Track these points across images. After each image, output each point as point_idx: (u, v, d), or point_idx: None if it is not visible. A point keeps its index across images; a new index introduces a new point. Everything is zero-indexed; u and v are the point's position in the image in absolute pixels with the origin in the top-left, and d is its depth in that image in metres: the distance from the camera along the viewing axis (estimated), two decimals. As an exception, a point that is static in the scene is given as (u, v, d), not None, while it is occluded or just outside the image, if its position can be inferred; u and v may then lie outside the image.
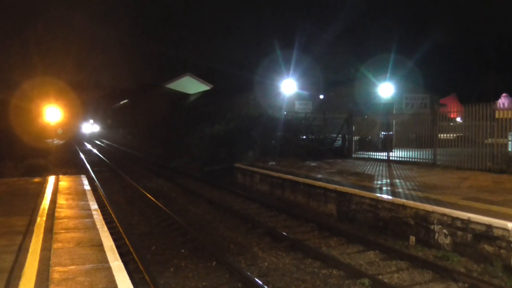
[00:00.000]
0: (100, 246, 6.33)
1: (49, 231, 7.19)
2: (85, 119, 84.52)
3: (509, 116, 15.85)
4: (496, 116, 16.33)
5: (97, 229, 7.37)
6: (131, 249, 9.09)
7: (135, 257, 8.57)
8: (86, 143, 60.83)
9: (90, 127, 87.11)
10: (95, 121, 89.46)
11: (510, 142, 15.96)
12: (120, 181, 20.86)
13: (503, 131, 15.81)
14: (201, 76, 60.14)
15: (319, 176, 15.09)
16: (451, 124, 19.80)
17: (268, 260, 8.76)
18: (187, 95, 55.00)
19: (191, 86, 57.78)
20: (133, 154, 39.26)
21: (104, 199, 14.76)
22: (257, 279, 7.33)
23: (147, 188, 17.62)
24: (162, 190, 17.74)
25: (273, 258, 8.85)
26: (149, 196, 15.53)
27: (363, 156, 22.24)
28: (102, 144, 61.28)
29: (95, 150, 45.60)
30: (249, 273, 7.68)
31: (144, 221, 12.42)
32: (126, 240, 9.78)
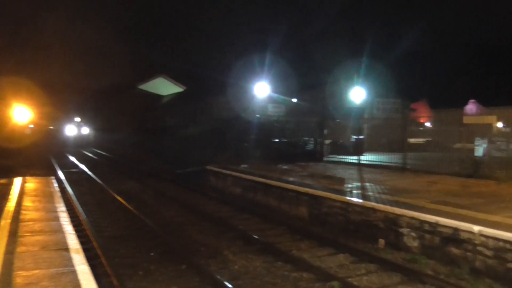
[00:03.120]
0: (66, 249, 6.19)
1: (13, 234, 6.98)
2: (69, 120, 69.42)
3: (477, 122, 16.23)
4: (464, 121, 16.71)
5: (63, 232, 7.20)
6: (99, 252, 8.92)
7: (103, 261, 8.41)
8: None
9: (74, 130, 69.68)
10: (85, 122, 70.70)
11: (477, 147, 16.33)
12: (90, 183, 20.51)
13: (470, 136, 16.17)
14: (174, 77, 59.68)
15: (291, 179, 15.13)
16: (421, 129, 20.20)
17: (239, 263, 8.71)
18: (160, 97, 54.52)
19: (164, 87, 57.23)
20: (106, 156, 38.70)
21: (72, 202, 14.48)
22: (227, 283, 7.28)
23: (118, 190, 17.35)
24: (133, 193, 17.50)
25: (244, 261, 8.82)
26: (119, 198, 15.30)
27: (334, 159, 22.41)
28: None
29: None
30: (219, 277, 7.62)
31: (114, 224, 12.22)
32: (94, 243, 9.60)
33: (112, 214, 13.49)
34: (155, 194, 17.40)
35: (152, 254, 9.30)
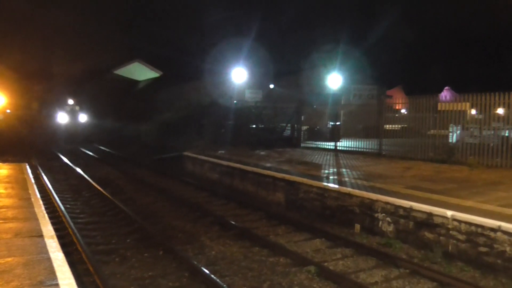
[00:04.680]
0: (40, 236, 6.10)
1: (-15, 221, 6.86)
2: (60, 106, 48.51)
3: (451, 108, 16.48)
4: (439, 108, 16.96)
5: (37, 219, 7.09)
6: (75, 239, 8.83)
7: (79, 248, 8.33)
8: None
9: (65, 117, 47.30)
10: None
11: (451, 134, 16.61)
12: (65, 169, 20.23)
13: (444, 122, 16.43)
14: (151, 62, 58.92)
15: (268, 165, 15.18)
16: (397, 115, 20.41)
17: (216, 248, 8.73)
18: (136, 82, 53.83)
19: (140, 72, 56.45)
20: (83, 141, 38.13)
21: (47, 188, 14.27)
22: (204, 268, 7.29)
23: (94, 177, 17.16)
24: (109, 179, 17.34)
25: (221, 247, 8.84)
26: (95, 185, 15.14)
27: (311, 145, 22.55)
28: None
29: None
30: (196, 262, 7.63)
31: (89, 210, 12.09)
32: (70, 230, 9.49)
33: (88, 201, 13.36)
34: (131, 180, 17.27)
35: (128, 240, 9.25)
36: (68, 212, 11.06)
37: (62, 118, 44.37)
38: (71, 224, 9.79)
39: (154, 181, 16.66)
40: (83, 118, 45.94)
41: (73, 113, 46.27)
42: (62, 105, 46.03)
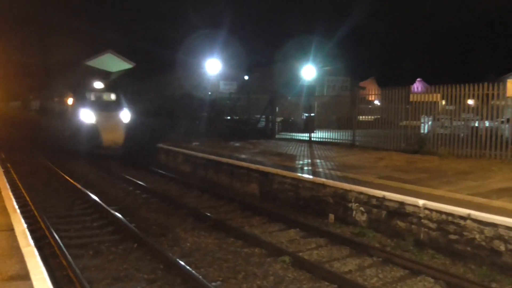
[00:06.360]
0: (11, 231, 5.99)
1: (-47, 216, 6.70)
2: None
3: (422, 100, 16.74)
4: (411, 99, 17.21)
5: (8, 213, 6.96)
6: (47, 233, 8.69)
7: (51, 241, 8.21)
8: None
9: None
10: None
11: (422, 124, 16.89)
12: (36, 162, 19.83)
13: (416, 113, 16.69)
14: (123, 53, 58.12)
15: (243, 156, 15.19)
16: (370, 106, 20.63)
17: (190, 240, 8.72)
18: (108, 73, 53.04)
19: (112, 64, 55.66)
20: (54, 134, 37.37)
21: (17, 181, 13.99)
22: (179, 260, 7.27)
23: (65, 170, 16.87)
24: (82, 172, 17.07)
25: (195, 238, 8.83)
26: (67, 178, 14.90)
27: (286, 137, 22.63)
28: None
29: None
30: (171, 254, 7.60)
31: (61, 204, 11.89)
32: (42, 223, 9.33)
33: (59, 194, 13.15)
34: (104, 173, 17.06)
35: (103, 233, 9.15)
36: (33, 203, 10.88)
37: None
38: (43, 217, 9.63)
39: (127, 173, 16.47)
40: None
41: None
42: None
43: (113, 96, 21.97)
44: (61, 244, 7.85)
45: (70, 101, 21.70)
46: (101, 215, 10.48)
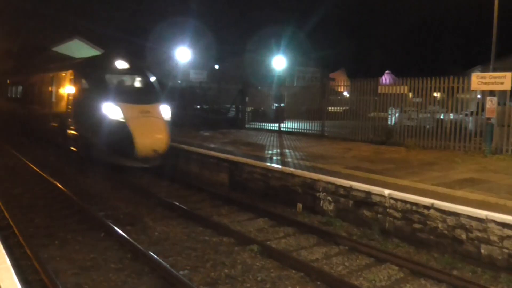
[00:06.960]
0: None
1: None
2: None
3: (391, 92, 17.02)
4: (379, 91, 17.47)
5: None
6: (11, 223, 8.51)
7: (16, 231, 8.04)
8: None
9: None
10: None
11: (390, 116, 17.18)
12: (1, 151, 19.32)
13: (384, 105, 16.97)
14: (91, 40, 56.98)
15: (213, 145, 15.16)
16: (339, 97, 20.82)
17: (159, 229, 8.67)
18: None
19: (80, 50, 54.44)
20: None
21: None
22: (147, 249, 7.24)
23: (31, 158, 16.50)
24: (49, 160, 16.71)
25: (164, 228, 8.78)
26: (33, 166, 14.58)
27: (256, 126, 22.69)
28: None
29: None
30: (138, 243, 7.55)
31: (27, 193, 11.63)
32: (6, 213, 9.13)
33: (26, 183, 12.86)
34: (72, 163, 16.75)
35: (69, 223, 9.01)
36: (4, 194, 10.65)
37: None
38: (7, 206, 9.43)
39: (95, 163, 16.20)
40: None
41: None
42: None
43: (142, 82, 15.55)
44: (25, 234, 7.71)
45: (73, 89, 15.16)
46: (68, 204, 10.31)
